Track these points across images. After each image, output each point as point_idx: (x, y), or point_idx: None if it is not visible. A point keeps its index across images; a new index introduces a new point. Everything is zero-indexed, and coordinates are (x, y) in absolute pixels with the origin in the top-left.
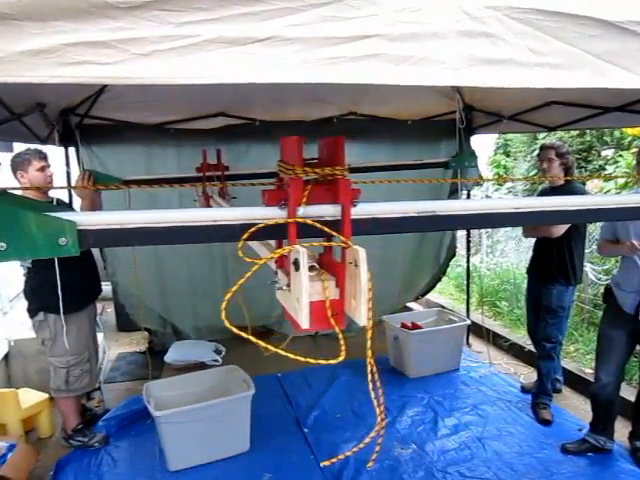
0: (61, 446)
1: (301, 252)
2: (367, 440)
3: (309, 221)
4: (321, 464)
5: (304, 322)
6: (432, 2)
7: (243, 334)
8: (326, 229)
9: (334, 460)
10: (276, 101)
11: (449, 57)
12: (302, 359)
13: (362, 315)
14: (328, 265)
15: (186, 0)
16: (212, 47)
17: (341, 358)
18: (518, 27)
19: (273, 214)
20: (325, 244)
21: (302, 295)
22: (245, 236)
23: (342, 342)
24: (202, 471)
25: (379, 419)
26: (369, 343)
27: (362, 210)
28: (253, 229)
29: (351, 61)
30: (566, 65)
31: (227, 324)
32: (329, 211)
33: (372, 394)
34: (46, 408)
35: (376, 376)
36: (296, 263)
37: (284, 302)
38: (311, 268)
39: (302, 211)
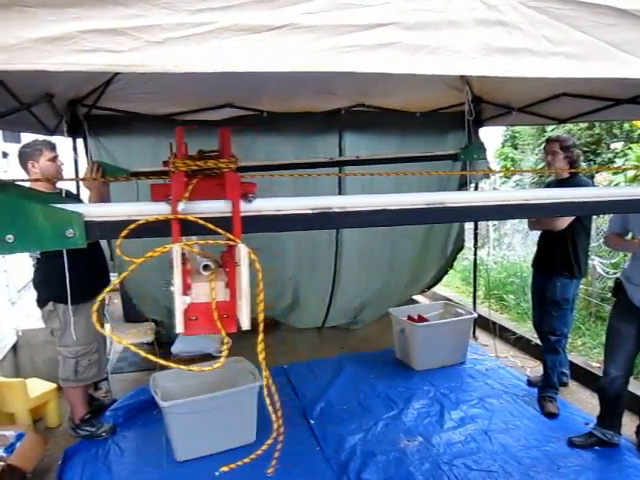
0: (69, 436)
1: (174, 251)
2: (264, 447)
3: (190, 217)
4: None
5: (178, 326)
6: None
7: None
8: (210, 226)
9: (232, 466)
10: (284, 92)
11: (465, 46)
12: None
13: (243, 318)
14: (226, 264)
15: None
16: (227, 35)
17: (217, 365)
18: (534, 16)
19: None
20: (211, 242)
21: (175, 297)
22: (123, 234)
23: (226, 347)
24: (208, 462)
25: (275, 426)
26: (260, 347)
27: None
28: (132, 226)
29: (366, 50)
30: (583, 55)
31: (115, 337)
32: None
33: (267, 400)
34: (54, 398)
35: (270, 381)
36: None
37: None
38: (205, 267)
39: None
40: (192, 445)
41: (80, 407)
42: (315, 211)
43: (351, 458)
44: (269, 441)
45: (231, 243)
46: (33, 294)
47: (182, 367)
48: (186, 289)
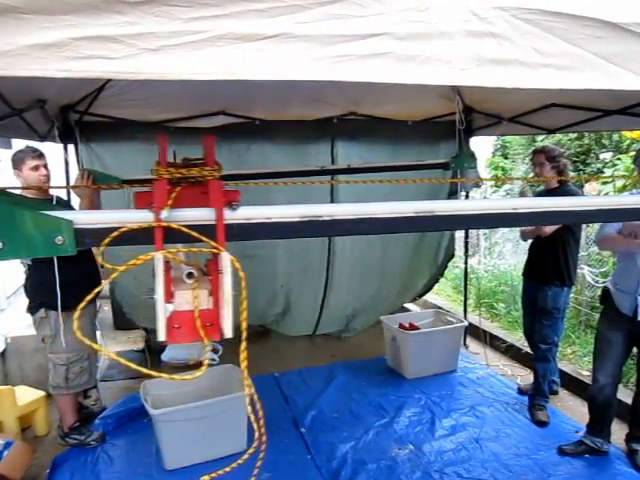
0: (57, 444)
1: (155, 259)
2: (245, 456)
3: (173, 225)
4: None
5: (160, 334)
6: (440, 2)
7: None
8: (193, 233)
9: (214, 475)
10: (276, 100)
11: (456, 57)
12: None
13: (226, 326)
14: (210, 273)
15: None
16: (221, 43)
17: (199, 373)
18: (525, 28)
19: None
20: (194, 250)
21: (157, 305)
22: (106, 241)
23: (207, 355)
24: (199, 470)
25: (257, 435)
26: (243, 356)
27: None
28: (115, 233)
29: (359, 59)
30: (572, 66)
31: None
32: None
33: (249, 409)
34: (43, 406)
35: (252, 389)
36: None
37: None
38: (189, 275)
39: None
40: (182, 453)
41: (69, 415)
42: (304, 219)
43: (342, 466)
44: (250, 450)
45: (214, 251)
46: (23, 301)
47: (164, 375)
48: (169, 297)
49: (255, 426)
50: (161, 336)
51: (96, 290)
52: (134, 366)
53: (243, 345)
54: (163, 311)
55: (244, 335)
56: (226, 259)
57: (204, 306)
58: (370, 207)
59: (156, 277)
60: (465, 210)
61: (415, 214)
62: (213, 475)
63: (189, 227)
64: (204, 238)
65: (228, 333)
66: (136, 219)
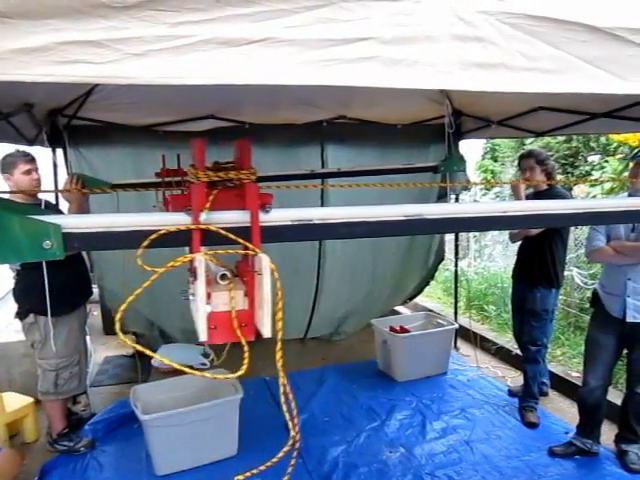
0: (46, 450)
1: (198, 260)
2: (280, 454)
3: (212, 227)
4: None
5: (201, 334)
6: (426, 6)
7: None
8: (231, 236)
9: (248, 474)
10: (266, 104)
11: (441, 60)
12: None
13: (265, 326)
14: (243, 274)
15: (181, 0)
16: (207, 48)
17: (240, 372)
18: (509, 32)
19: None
20: (231, 251)
21: (198, 306)
22: (145, 243)
23: (246, 354)
24: (189, 475)
25: (292, 433)
26: (278, 355)
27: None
28: (153, 236)
29: (345, 63)
30: (556, 70)
31: (121, 336)
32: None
33: (284, 407)
34: (31, 412)
35: (288, 388)
36: (194, 272)
37: (193, 313)
38: (223, 277)
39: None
40: (172, 459)
41: (58, 421)
42: (295, 222)
43: (333, 470)
44: (285, 448)
45: (251, 253)
46: (11, 306)
47: (196, 373)
48: (206, 298)
49: (290, 425)
50: (202, 336)
51: (137, 292)
52: (148, 352)
53: (279, 345)
54: (204, 312)
55: (279, 335)
56: (265, 260)
57: (240, 307)
58: (360, 210)
59: (198, 278)
60: (455, 213)
61: (405, 218)
62: (247, 474)
63: (224, 229)
64: (241, 240)
65: (267, 333)
66: (171, 222)
